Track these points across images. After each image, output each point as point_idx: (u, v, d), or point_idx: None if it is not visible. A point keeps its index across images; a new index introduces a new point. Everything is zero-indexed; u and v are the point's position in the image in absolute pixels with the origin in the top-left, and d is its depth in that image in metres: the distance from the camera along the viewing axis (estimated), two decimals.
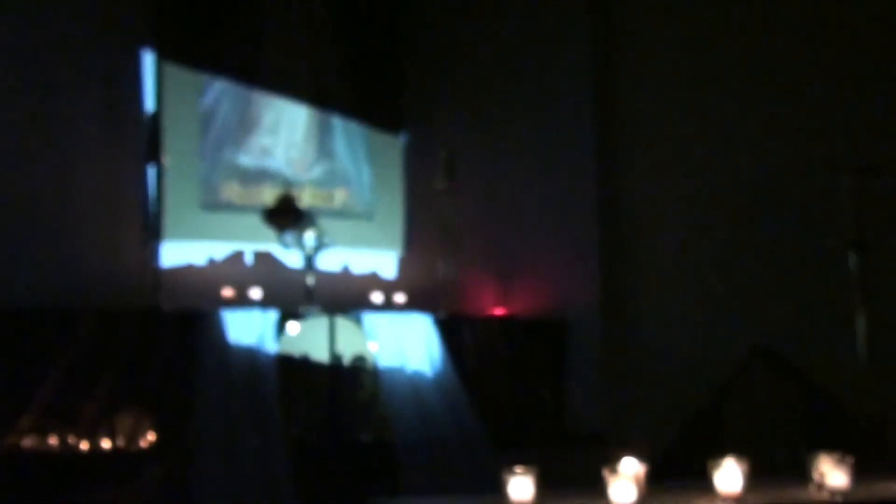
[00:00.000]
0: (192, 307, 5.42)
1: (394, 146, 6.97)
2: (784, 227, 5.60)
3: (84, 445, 4.81)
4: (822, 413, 5.30)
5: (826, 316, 5.41)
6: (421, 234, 6.74)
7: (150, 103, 6.18)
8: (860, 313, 4.67)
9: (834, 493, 2.86)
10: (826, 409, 5.32)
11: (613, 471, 2.60)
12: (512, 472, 2.61)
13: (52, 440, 4.77)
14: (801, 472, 3.00)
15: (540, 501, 2.61)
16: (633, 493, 2.55)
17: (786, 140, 5.60)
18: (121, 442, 4.89)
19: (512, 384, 5.96)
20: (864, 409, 4.60)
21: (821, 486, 2.90)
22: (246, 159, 6.52)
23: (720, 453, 2.80)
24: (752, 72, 5.72)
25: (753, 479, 2.86)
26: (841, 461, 2.88)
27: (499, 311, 6.48)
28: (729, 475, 2.73)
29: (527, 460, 2.67)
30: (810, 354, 5.31)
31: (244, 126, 6.55)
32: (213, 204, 6.35)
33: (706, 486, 2.79)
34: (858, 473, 2.85)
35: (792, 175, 5.58)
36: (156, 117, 5.90)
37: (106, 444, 4.86)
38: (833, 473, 2.87)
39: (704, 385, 5.47)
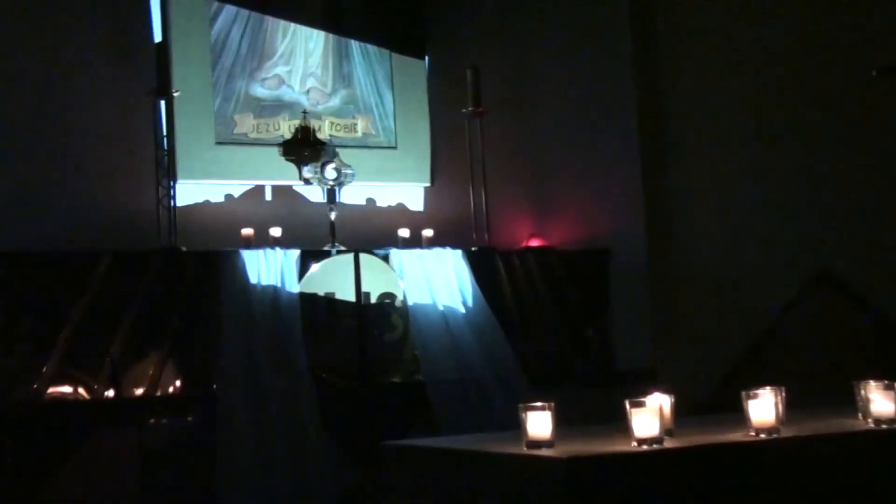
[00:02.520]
0: (210, 248, 5.50)
1: (417, 70, 6.94)
2: (849, 140, 5.48)
3: (106, 391, 4.95)
4: (892, 343, 5.27)
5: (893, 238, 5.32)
6: (449, 164, 6.73)
7: (157, 33, 6.24)
8: None
9: (879, 420, 2.88)
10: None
11: (637, 404, 2.65)
12: (530, 407, 2.68)
13: (75, 386, 4.94)
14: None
15: (560, 437, 2.68)
16: (655, 426, 2.60)
17: (845, 48, 5.46)
18: (143, 387, 5.03)
19: (552, 320, 6.00)
20: None
21: (865, 413, 2.93)
22: (260, 90, 6.53)
23: (773, 383, 2.83)
24: None
25: (799, 410, 2.92)
26: (888, 388, 2.89)
27: (535, 243, 6.49)
28: (763, 405, 2.76)
29: (566, 398, 2.74)
30: (878, 280, 5.28)
31: (257, 54, 6.55)
32: (228, 138, 6.38)
33: (737, 419, 2.83)
34: None
35: (853, 86, 5.45)
36: (164, 48, 5.93)
37: (127, 389, 5.00)
38: (879, 400, 2.89)
39: (761, 316, 5.51)
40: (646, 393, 2.76)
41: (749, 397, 2.80)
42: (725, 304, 5.69)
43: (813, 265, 5.49)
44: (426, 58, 6.98)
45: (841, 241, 5.45)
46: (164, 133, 5.85)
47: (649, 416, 2.61)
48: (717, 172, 5.84)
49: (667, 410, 2.80)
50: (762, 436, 2.74)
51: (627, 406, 2.65)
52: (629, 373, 5.75)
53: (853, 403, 3.01)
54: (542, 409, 2.66)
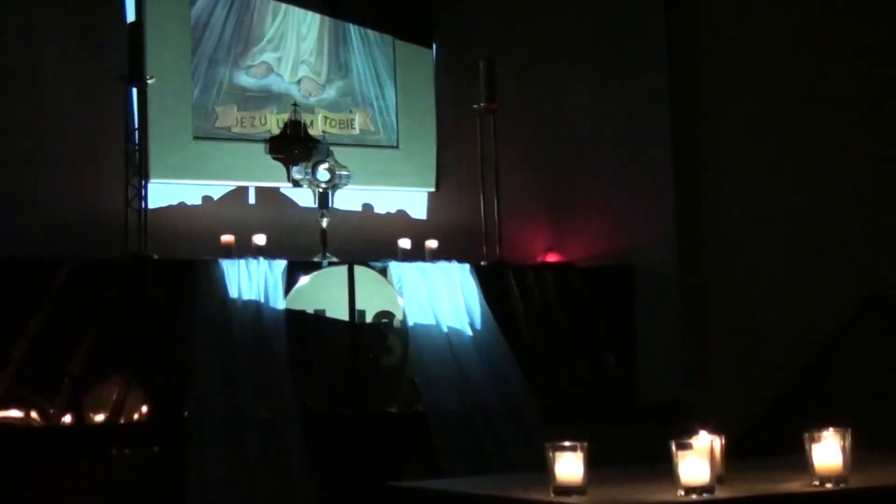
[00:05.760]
0: (185, 256, 5.46)
1: (423, 60, 6.93)
2: None
3: (63, 416, 4.89)
4: None
5: None
6: (457, 166, 6.73)
7: (130, 13, 6.20)
8: None
9: None
10: None
11: (684, 446, 2.57)
12: (558, 447, 2.61)
13: (27, 410, 4.85)
14: None
15: (592, 481, 2.61)
16: (706, 472, 2.53)
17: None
18: (106, 412, 4.97)
19: (570, 345, 5.98)
20: None
21: None
22: (246, 78, 6.51)
23: (822, 425, 2.78)
24: None
25: (860, 454, 2.84)
26: None
27: (552, 258, 6.50)
28: (828, 450, 2.70)
29: (586, 436, 2.68)
30: None
31: (243, 39, 6.53)
32: (208, 133, 6.35)
33: (801, 462, 2.76)
34: None
35: None
36: (137, 28, 5.85)
37: (88, 414, 4.94)
38: None
39: (805, 344, 5.50)
40: (681, 430, 2.70)
41: (812, 440, 2.73)
42: (764, 331, 5.69)
43: (862, 289, 5.47)
44: (433, 46, 6.97)
45: (893, 263, 5.42)
46: (136, 125, 5.81)
47: (698, 461, 2.53)
48: (756, 184, 5.86)
49: (717, 453, 2.71)
50: (828, 485, 2.67)
51: (673, 447, 2.56)
52: (656, 406, 5.75)
53: None
54: (573, 449, 2.59)
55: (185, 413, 5.01)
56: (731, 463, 2.94)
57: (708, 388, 5.74)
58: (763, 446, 3.58)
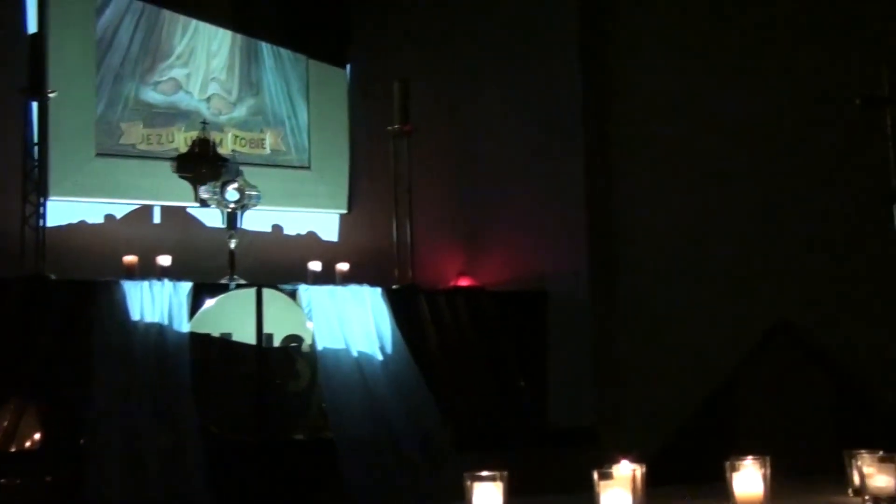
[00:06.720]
0: (85, 276, 5.32)
1: (336, 80, 6.93)
2: (809, 180, 5.61)
3: None
4: (853, 403, 5.36)
5: (859, 288, 5.41)
6: (369, 189, 6.73)
7: (32, 23, 6.03)
8: None
9: (879, 497, 2.80)
10: (857, 398, 5.37)
11: (605, 475, 2.51)
12: (477, 477, 2.52)
13: None
14: (827, 472, 3.08)
15: None
16: (628, 502, 2.48)
17: (807, 74, 5.61)
18: None
19: (481, 370, 5.94)
20: None
21: (860, 490, 2.87)
22: (153, 95, 6.47)
23: (731, 452, 2.75)
24: None
25: (775, 481, 2.82)
26: (887, 461, 2.81)
27: (464, 282, 6.51)
28: (749, 478, 2.66)
29: (499, 462, 2.63)
30: (839, 334, 5.37)
31: (151, 54, 6.50)
32: (112, 149, 6.29)
33: (716, 490, 2.73)
34: None
35: (816, 116, 5.59)
36: (39, 40, 5.70)
37: None
38: (877, 475, 2.81)
39: (714, 371, 5.56)
40: (594, 457, 2.68)
41: (733, 468, 2.69)
42: (676, 357, 5.74)
43: (771, 316, 5.57)
44: (347, 67, 6.98)
45: (802, 292, 5.56)
46: (36, 140, 5.63)
47: (620, 491, 2.47)
48: (670, 212, 5.96)
49: (638, 482, 2.63)
50: None
51: (595, 477, 2.48)
52: (567, 433, 5.76)
53: (822, 472, 3.05)
54: (492, 479, 2.49)
55: (81, 441, 4.83)
56: (649, 491, 2.88)
57: (618, 415, 5.77)
58: (672, 474, 3.55)
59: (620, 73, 6.16)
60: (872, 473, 2.81)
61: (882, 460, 2.82)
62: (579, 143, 6.10)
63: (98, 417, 4.85)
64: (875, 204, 4.82)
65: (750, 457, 2.72)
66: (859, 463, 2.86)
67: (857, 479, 2.88)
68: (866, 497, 2.82)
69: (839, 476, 2.99)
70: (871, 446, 2.89)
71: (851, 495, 2.92)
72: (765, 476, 2.68)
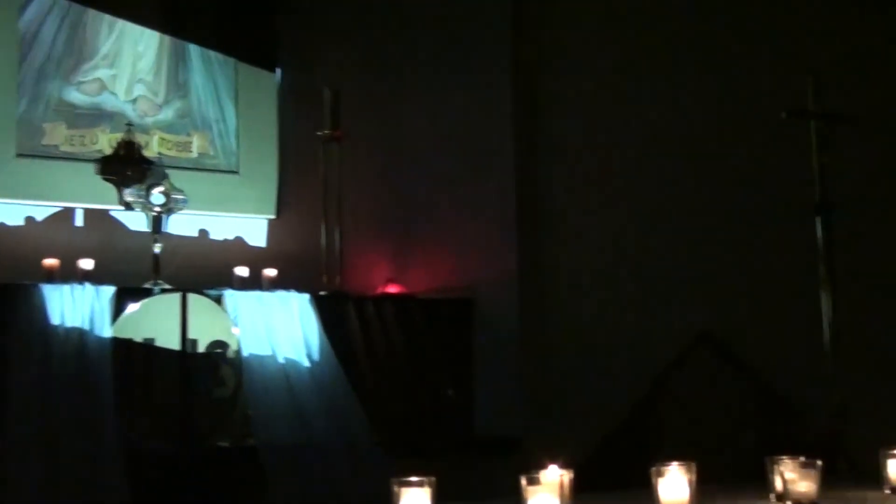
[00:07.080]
0: (3, 280, 5.19)
1: (266, 84, 6.84)
2: (735, 189, 5.73)
3: None
4: (774, 409, 5.46)
5: (783, 296, 5.53)
6: (298, 194, 6.65)
7: None
8: (824, 292, 4.68)
9: (801, 502, 2.86)
10: (778, 404, 5.48)
11: (533, 481, 2.52)
12: (404, 483, 2.51)
13: None
14: (750, 478, 3.10)
15: None
16: None
17: (733, 85, 5.74)
18: None
19: (409, 377, 5.94)
20: (825, 404, 4.63)
21: (783, 495, 2.90)
22: (77, 95, 6.34)
23: (656, 457, 2.79)
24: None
25: (700, 487, 2.84)
26: (808, 466, 2.87)
27: (393, 289, 6.46)
28: (674, 483, 2.69)
29: (426, 469, 2.62)
30: (763, 342, 5.49)
31: (75, 53, 6.36)
32: (33, 150, 6.16)
33: (646, 496, 2.74)
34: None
35: (740, 128, 5.73)
36: None
37: None
38: (799, 480, 2.87)
39: (642, 378, 5.64)
40: (521, 464, 2.68)
41: (658, 474, 2.72)
42: (602, 365, 5.79)
43: (697, 324, 5.68)
44: (277, 70, 6.89)
45: (722, 301, 5.66)
46: None
47: (548, 496, 2.45)
48: (599, 221, 6.02)
49: (566, 488, 2.64)
50: None
51: (523, 482, 2.47)
52: (494, 440, 5.78)
53: (745, 478, 3.07)
54: (420, 484, 2.49)
55: None
56: (577, 497, 2.88)
57: (544, 422, 5.76)
58: (600, 480, 3.58)
59: (550, 80, 6.19)
60: (794, 479, 2.87)
61: (804, 465, 2.88)
62: (508, 151, 6.13)
63: (14, 424, 4.72)
64: (798, 214, 4.91)
65: (675, 463, 2.74)
66: (781, 468, 2.91)
67: (779, 485, 2.91)
68: (788, 502, 2.86)
69: (762, 481, 3.02)
70: (793, 452, 2.95)
71: (774, 500, 2.95)
72: (690, 482, 2.71)
